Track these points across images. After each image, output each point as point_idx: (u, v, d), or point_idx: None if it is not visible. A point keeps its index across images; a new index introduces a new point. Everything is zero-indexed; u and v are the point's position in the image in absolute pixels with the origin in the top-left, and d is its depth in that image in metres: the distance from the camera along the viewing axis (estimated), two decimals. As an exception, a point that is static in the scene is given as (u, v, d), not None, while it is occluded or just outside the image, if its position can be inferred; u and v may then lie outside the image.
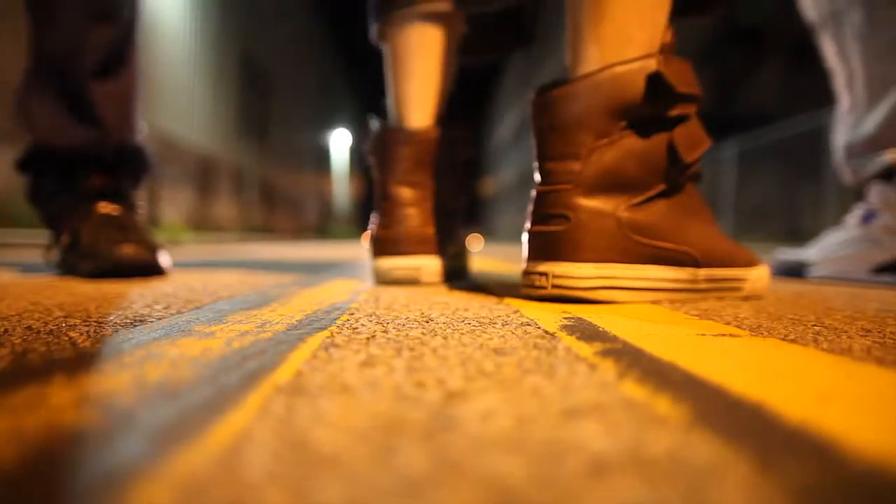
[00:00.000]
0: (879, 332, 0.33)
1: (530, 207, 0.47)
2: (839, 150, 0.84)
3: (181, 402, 0.17)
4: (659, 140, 0.45)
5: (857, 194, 0.85)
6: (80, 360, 0.23)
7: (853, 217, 0.83)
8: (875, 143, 0.77)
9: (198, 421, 0.15)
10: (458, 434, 0.15)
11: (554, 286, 0.44)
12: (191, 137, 5.84)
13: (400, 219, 0.63)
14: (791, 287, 0.66)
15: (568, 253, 0.44)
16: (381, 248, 0.63)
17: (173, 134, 5.34)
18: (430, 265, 0.63)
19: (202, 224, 5.99)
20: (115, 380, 0.20)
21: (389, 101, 0.67)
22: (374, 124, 0.67)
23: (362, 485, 0.12)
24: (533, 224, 0.46)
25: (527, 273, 0.46)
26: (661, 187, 0.46)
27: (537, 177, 0.47)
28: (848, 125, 0.82)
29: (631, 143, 0.44)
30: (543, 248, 0.45)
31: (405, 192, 0.63)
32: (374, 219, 0.65)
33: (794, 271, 0.84)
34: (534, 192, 0.47)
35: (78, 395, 0.18)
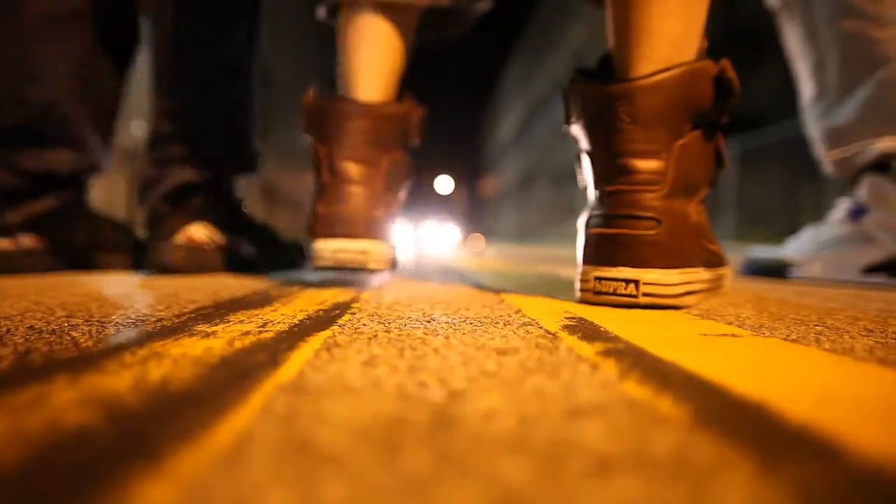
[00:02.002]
0: (882, 332, 0.33)
1: (597, 205, 0.43)
2: (817, 142, 0.77)
3: (183, 401, 0.17)
4: (711, 144, 0.45)
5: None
6: (83, 360, 0.23)
7: (838, 212, 0.76)
8: (860, 130, 0.71)
9: (200, 421, 0.15)
10: (460, 434, 0.15)
11: (645, 294, 0.41)
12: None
13: (345, 196, 0.57)
14: (793, 287, 0.66)
15: (660, 259, 0.41)
16: (325, 227, 0.57)
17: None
18: (377, 250, 0.58)
19: (203, 224, 5.98)
20: (117, 379, 0.20)
21: (342, 71, 0.62)
22: (318, 93, 0.61)
23: (365, 484, 0.12)
24: (609, 225, 0.42)
25: (602, 279, 0.42)
26: (707, 190, 0.46)
27: (604, 172, 0.43)
28: (818, 113, 0.76)
29: (696, 144, 0.43)
30: (628, 253, 0.41)
31: (354, 169, 0.58)
32: (314, 196, 0.59)
33: (773, 271, 0.78)
34: (593, 190, 0.44)
35: (80, 395, 0.18)
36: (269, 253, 0.91)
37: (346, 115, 0.58)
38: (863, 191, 0.73)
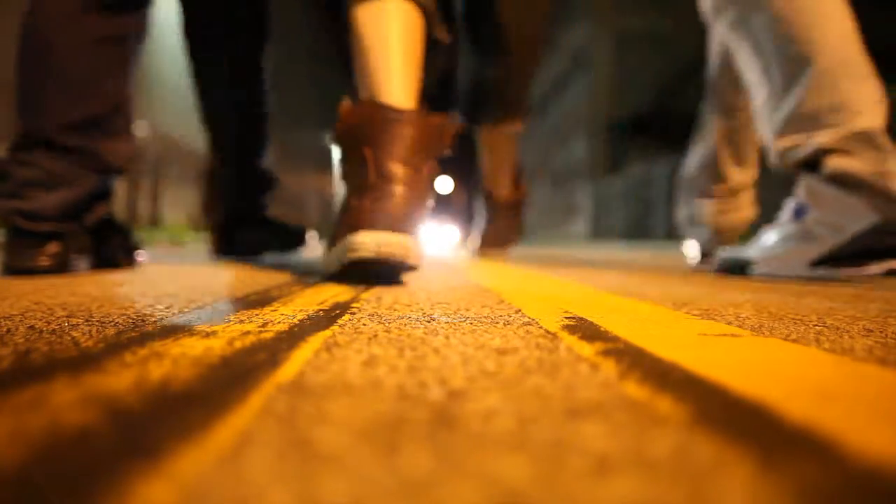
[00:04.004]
0: (881, 332, 0.33)
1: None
2: (766, 137, 0.85)
3: (183, 401, 0.17)
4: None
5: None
6: (83, 360, 0.23)
7: (786, 213, 0.84)
8: (799, 122, 0.78)
9: (200, 420, 0.15)
10: (460, 434, 0.15)
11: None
12: (192, 138, 5.85)
13: (391, 194, 0.58)
14: (793, 286, 0.66)
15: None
16: (370, 221, 0.58)
17: (175, 134, 5.34)
18: (417, 247, 0.59)
19: (204, 224, 5.99)
20: (117, 379, 0.20)
21: (370, 74, 0.63)
22: (354, 102, 0.64)
23: (365, 484, 0.12)
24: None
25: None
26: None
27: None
28: (768, 112, 0.83)
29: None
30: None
31: (400, 171, 0.60)
32: (356, 193, 0.61)
33: (738, 269, 0.86)
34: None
35: (80, 395, 0.18)
36: (272, 237, 0.96)
37: (393, 122, 0.61)
38: (801, 191, 0.80)
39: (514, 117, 1.35)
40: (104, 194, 0.83)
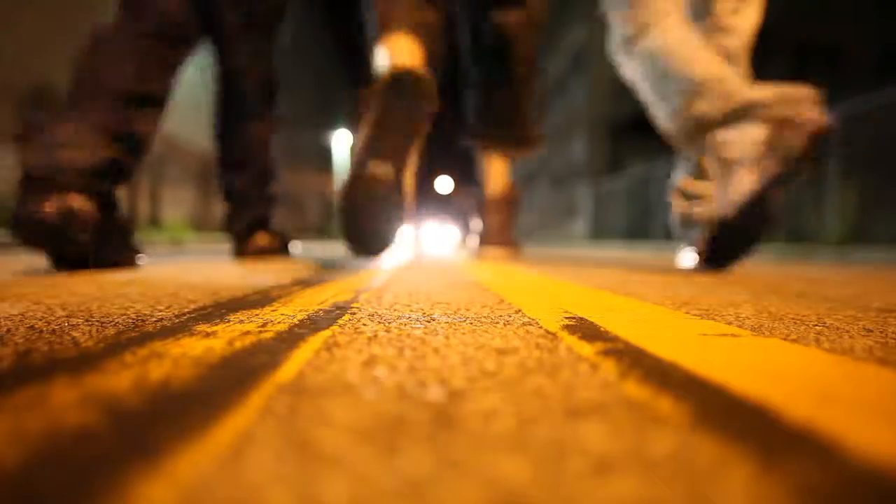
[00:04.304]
0: (881, 332, 0.33)
1: None
2: (667, 130, 1.05)
3: (183, 401, 0.17)
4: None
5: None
6: (83, 360, 0.23)
7: (707, 176, 1.03)
8: (680, 116, 1.00)
9: (200, 421, 0.15)
10: (460, 434, 0.15)
11: None
12: (192, 138, 5.85)
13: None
14: (793, 286, 0.66)
15: None
16: (392, 57, 0.85)
17: (175, 134, 5.34)
18: (430, 78, 0.83)
19: (204, 224, 5.99)
20: (117, 379, 0.20)
21: (383, 61, 0.87)
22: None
23: (365, 485, 0.12)
24: None
25: None
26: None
27: None
28: (662, 111, 1.04)
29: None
30: None
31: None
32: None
33: (716, 260, 0.98)
34: None
35: (80, 395, 0.18)
36: (276, 242, 1.29)
37: (404, 67, 0.81)
38: (682, 158, 1.07)
39: (532, 146, 1.53)
40: (118, 171, 0.84)
